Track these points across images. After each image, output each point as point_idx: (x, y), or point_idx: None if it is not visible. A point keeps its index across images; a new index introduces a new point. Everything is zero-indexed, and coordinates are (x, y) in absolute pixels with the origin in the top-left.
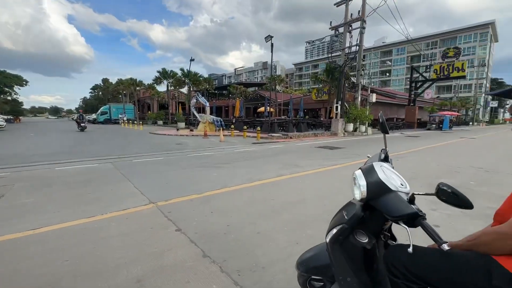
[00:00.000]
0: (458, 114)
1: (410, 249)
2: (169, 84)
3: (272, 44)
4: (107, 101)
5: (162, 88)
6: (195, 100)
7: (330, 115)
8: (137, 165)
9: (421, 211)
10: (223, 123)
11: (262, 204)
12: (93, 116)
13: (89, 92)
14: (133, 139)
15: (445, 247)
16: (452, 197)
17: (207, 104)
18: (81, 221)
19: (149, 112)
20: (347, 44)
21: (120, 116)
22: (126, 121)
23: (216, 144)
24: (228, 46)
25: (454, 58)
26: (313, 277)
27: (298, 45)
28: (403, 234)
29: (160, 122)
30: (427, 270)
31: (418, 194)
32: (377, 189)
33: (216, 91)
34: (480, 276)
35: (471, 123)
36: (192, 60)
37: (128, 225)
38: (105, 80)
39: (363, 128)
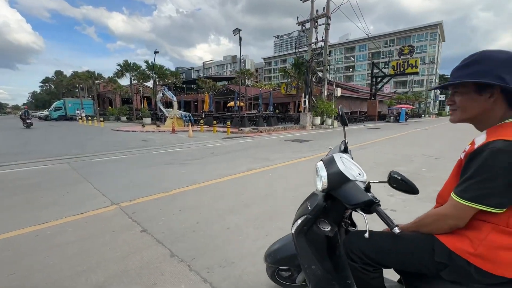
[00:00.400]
0: (412, 107)
1: (366, 235)
2: (132, 78)
3: (240, 38)
4: (61, 96)
5: (124, 81)
6: (161, 95)
7: (298, 109)
8: (97, 164)
9: (376, 198)
10: (192, 118)
11: (232, 199)
12: (45, 112)
13: (39, 86)
14: (93, 137)
15: (396, 230)
16: (401, 184)
17: (175, 98)
18: (31, 229)
19: (110, 107)
20: (313, 40)
21: (77, 112)
22: (84, 118)
23: (184, 140)
24: (195, 39)
25: (408, 55)
26: (280, 267)
27: (267, 39)
28: (363, 220)
29: (124, 118)
30: (381, 252)
31: (373, 182)
32: (337, 179)
33: (184, 85)
34: (425, 254)
35: (423, 115)
36: (156, 52)
37: (87, 230)
38: (58, 73)
39: (329, 121)
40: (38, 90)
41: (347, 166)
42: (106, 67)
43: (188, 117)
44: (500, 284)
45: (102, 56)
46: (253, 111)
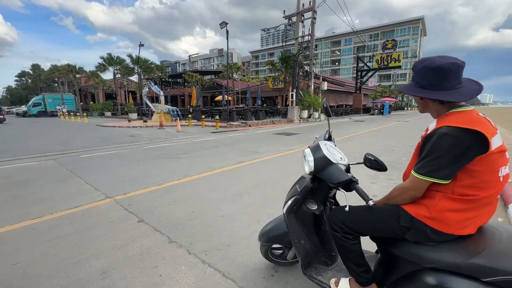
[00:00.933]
0: (395, 100)
1: (346, 208)
2: (116, 72)
3: (227, 31)
4: (39, 91)
5: (107, 76)
6: (147, 89)
7: (286, 102)
8: (85, 160)
9: (354, 178)
10: (179, 113)
11: (224, 190)
12: (23, 108)
13: (15, 80)
14: (78, 133)
15: (371, 203)
16: (374, 163)
17: (161, 93)
18: (26, 223)
19: (92, 102)
20: (300, 34)
21: (58, 107)
22: (66, 113)
23: (173, 135)
24: (180, 31)
25: (392, 49)
26: (273, 246)
27: (254, 32)
28: (345, 199)
29: (108, 114)
30: (359, 222)
31: (352, 164)
32: (321, 163)
33: (170, 79)
34: (393, 220)
35: (406, 108)
36: (141, 45)
37: (84, 222)
38: (35, 67)
39: (316, 114)
40: (13, 84)
41: (331, 151)
42: (86, 60)
43: (175, 112)
44: (448, 241)
45: (81, 48)
46: (241, 105)
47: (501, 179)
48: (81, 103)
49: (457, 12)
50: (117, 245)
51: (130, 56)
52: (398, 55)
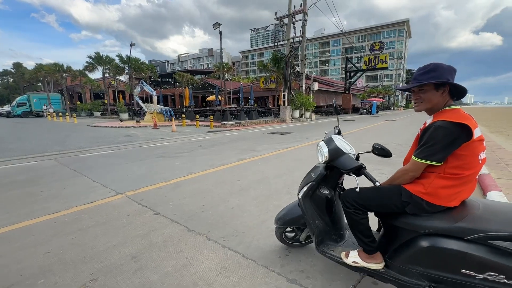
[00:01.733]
0: (382, 100)
1: (357, 189)
2: (105, 72)
3: (220, 32)
4: (22, 91)
5: (95, 75)
6: (139, 89)
7: (278, 102)
8: (86, 159)
9: (363, 164)
10: (172, 112)
11: (229, 185)
12: (7, 108)
13: None
14: (70, 133)
15: (377, 184)
16: (381, 151)
17: (154, 93)
18: (46, 218)
19: (79, 102)
20: (291, 35)
21: (44, 107)
22: (53, 113)
23: (169, 135)
24: (168, 30)
25: (379, 51)
26: (287, 229)
27: (243, 31)
28: (355, 182)
29: (98, 114)
30: (367, 200)
31: (361, 153)
32: (335, 153)
33: (159, 79)
34: (396, 197)
35: (392, 108)
36: (132, 45)
37: (102, 215)
38: (17, 65)
39: (307, 114)
40: None
41: (341, 144)
42: (71, 59)
43: (169, 112)
44: (439, 211)
45: (65, 47)
46: (233, 105)
47: (480, 161)
48: (69, 103)
49: (440, 15)
50: (140, 234)
51: (120, 56)
52: (385, 56)
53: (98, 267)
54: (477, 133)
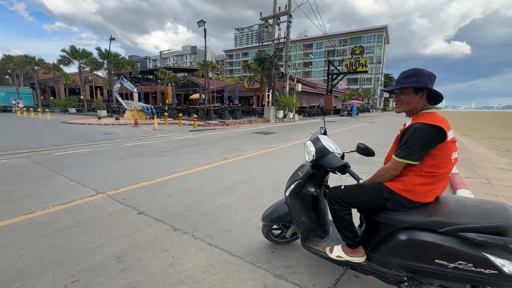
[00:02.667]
0: (362, 102)
1: (342, 187)
2: (82, 66)
3: (205, 30)
4: None
5: (70, 69)
6: (119, 85)
7: (262, 102)
8: (62, 158)
9: (348, 163)
10: (154, 110)
11: (215, 184)
12: None
13: None
14: (43, 130)
15: (361, 181)
16: (365, 150)
17: (135, 89)
18: (19, 219)
19: (52, 98)
20: (276, 36)
21: (13, 102)
22: (23, 109)
23: (150, 133)
24: (150, 25)
25: (359, 55)
26: (274, 226)
27: (227, 30)
28: (338, 182)
29: (73, 110)
30: (351, 197)
31: (346, 152)
32: (321, 152)
33: (140, 75)
34: (377, 194)
35: (371, 110)
36: (112, 39)
37: (82, 216)
38: None
39: (291, 115)
40: None
41: (327, 143)
42: (43, 51)
43: (150, 110)
44: (416, 207)
45: (37, 38)
46: (217, 104)
47: (452, 160)
48: (42, 98)
49: (416, 23)
50: (124, 234)
51: (98, 49)
52: (365, 60)
53: (80, 268)
54: (450, 135)
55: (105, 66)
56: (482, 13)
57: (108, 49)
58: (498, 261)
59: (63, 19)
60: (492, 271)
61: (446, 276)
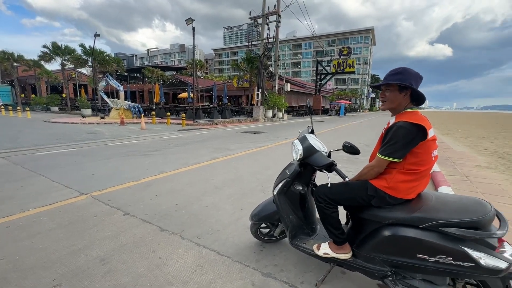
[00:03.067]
0: (350, 102)
1: (329, 185)
2: (64, 63)
3: (193, 28)
4: None
5: (52, 66)
6: (104, 83)
7: (251, 102)
8: (43, 158)
9: (334, 161)
10: (141, 109)
11: (203, 183)
12: None
13: None
14: (23, 129)
15: (346, 179)
16: (350, 149)
17: (121, 88)
18: None
19: (33, 95)
20: (265, 35)
21: None
22: (1, 107)
23: (137, 132)
24: (137, 22)
25: (347, 56)
26: (262, 225)
27: (216, 29)
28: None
29: (55, 109)
30: (338, 194)
31: (333, 151)
32: (308, 151)
33: (127, 73)
34: (362, 191)
35: (358, 110)
36: (97, 35)
37: (65, 217)
38: None
39: (280, 114)
40: None
41: (314, 142)
42: (23, 46)
43: (137, 109)
44: (399, 204)
45: (15, 33)
46: (206, 103)
47: (433, 158)
48: (22, 96)
49: (401, 25)
50: (109, 236)
51: (82, 46)
52: (353, 61)
53: (62, 272)
54: (431, 133)
55: (90, 63)
56: (463, 17)
57: (92, 45)
58: (475, 254)
59: (44, 14)
60: (470, 264)
61: (427, 270)
